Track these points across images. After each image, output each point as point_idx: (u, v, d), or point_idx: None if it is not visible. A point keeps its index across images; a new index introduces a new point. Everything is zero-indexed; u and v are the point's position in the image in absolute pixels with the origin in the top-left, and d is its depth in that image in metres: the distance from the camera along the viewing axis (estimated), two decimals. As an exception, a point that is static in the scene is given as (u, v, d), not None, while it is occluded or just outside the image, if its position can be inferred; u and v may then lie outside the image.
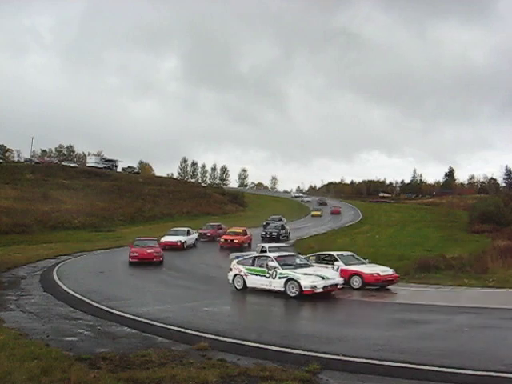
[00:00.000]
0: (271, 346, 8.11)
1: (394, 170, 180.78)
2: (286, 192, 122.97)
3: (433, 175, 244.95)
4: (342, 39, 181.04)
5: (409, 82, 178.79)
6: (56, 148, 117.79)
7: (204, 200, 71.41)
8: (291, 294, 14.09)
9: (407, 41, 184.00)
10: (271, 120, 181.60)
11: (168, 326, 9.76)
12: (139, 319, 10.53)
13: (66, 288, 15.47)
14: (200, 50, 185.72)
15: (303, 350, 7.73)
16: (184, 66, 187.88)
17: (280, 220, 46.81)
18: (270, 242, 28.71)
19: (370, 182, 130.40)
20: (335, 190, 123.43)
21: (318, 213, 67.03)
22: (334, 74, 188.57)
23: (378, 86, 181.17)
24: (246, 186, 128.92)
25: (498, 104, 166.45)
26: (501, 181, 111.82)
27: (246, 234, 32.97)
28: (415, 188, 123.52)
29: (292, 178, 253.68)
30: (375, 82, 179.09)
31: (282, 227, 38.44)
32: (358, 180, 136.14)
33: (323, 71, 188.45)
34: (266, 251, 20.75)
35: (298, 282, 14.02)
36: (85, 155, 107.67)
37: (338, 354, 7.48)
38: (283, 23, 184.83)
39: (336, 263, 17.10)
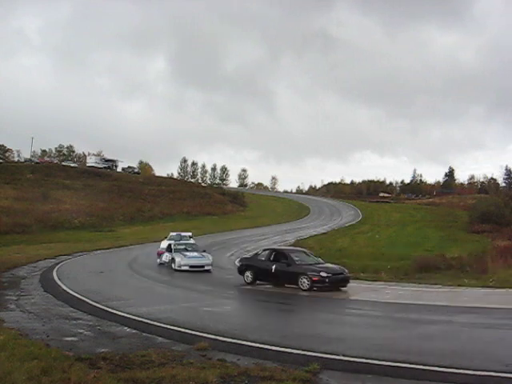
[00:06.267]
0: (271, 346, 8.10)
1: (389, 169, 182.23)
2: (286, 192, 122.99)
3: (432, 175, 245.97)
4: (324, 41, 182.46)
5: (396, 83, 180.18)
6: (56, 148, 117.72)
7: (204, 200, 71.43)
8: None
9: (390, 43, 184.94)
10: (261, 120, 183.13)
11: (168, 326, 9.74)
12: (139, 319, 10.52)
13: (66, 288, 15.46)
14: (187, 51, 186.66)
15: (303, 350, 7.72)
16: (172, 66, 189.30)
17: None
18: None
19: (370, 182, 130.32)
20: (335, 190, 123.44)
21: None
22: (320, 74, 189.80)
23: (366, 86, 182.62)
24: (245, 186, 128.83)
25: (489, 104, 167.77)
26: (501, 181, 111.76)
27: None
28: (415, 188, 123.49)
29: (290, 179, 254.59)
30: (362, 83, 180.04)
31: None
32: (357, 180, 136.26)
33: (309, 72, 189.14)
34: None
35: None
36: (85, 155, 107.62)
37: (337, 354, 7.47)
38: (267, 24, 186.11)
39: None
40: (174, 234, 29.72)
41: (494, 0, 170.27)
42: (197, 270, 21.32)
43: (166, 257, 23.51)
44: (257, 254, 18.55)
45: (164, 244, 28.01)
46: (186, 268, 21.40)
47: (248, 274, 17.47)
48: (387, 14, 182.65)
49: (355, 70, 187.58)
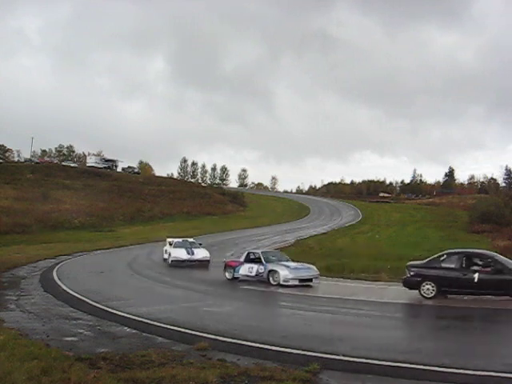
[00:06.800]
0: (271, 345, 8.10)
1: (389, 169, 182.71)
2: (286, 192, 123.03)
3: (432, 175, 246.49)
4: (324, 41, 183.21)
5: (396, 83, 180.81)
6: (56, 148, 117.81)
7: (204, 200, 71.46)
8: None
9: (390, 43, 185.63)
10: (260, 120, 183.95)
11: (168, 326, 9.75)
12: (139, 319, 10.52)
13: (65, 288, 15.47)
14: (187, 51, 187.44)
15: (303, 350, 7.72)
16: (172, 66, 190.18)
17: None
18: None
19: (370, 181, 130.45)
20: (335, 190, 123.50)
21: None
22: (320, 74, 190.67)
23: (366, 86, 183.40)
24: (245, 186, 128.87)
25: (489, 104, 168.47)
26: (501, 181, 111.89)
27: None
28: (415, 188, 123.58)
29: (290, 179, 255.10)
30: (362, 83, 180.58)
31: None
32: (357, 180, 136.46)
33: (309, 72, 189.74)
34: None
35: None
36: (85, 155, 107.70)
37: (337, 354, 7.47)
38: (267, 24, 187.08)
39: None
40: (180, 240, 25.55)
41: (493, 0, 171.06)
42: (305, 285, 17.14)
43: (249, 269, 18.24)
44: (436, 260, 14.52)
45: (177, 253, 23.81)
46: (295, 283, 16.95)
47: (428, 286, 13.83)
48: (387, 14, 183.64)
49: (355, 70, 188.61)
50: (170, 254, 24.37)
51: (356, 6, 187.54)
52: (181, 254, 24.01)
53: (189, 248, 24.49)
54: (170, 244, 25.42)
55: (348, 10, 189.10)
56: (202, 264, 23.41)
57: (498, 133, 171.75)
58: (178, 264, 23.60)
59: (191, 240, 26.30)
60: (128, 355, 7.42)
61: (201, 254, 24.48)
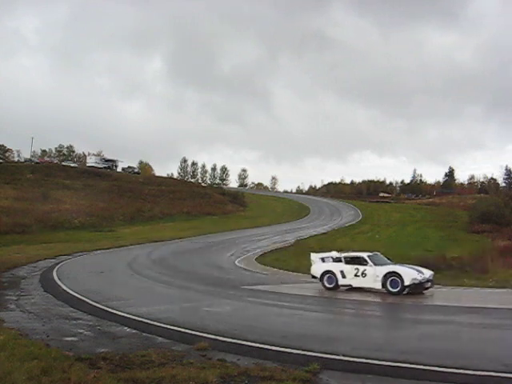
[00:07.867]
0: (271, 345, 8.10)
1: (389, 169, 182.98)
2: (286, 192, 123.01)
3: (432, 175, 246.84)
4: (322, 41, 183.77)
5: (395, 84, 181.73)
6: (56, 148, 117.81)
7: (204, 200, 71.44)
8: None
9: (386, 44, 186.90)
10: (260, 120, 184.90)
11: (168, 326, 9.74)
12: (139, 319, 10.52)
13: (65, 288, 15.46)
14: (186, 51, 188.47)
15: (303, 350, 7.72)
16: (171, 66, 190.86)
17: None
18: None
19: (370, 182, 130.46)
20: (335, 190, 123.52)
21: None
22: (320, 74, 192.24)
23: (365, 86, 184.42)
24: (245, 186, 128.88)
25: (487, 104, 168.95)
26: (501, 181, 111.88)
27: None
28: (415, 188, 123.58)
29: (290, 179, 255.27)
30: (361, 83, 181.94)
31: None
32: (357, 180, 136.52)
33: (308, 72, 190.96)
34: None
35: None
36: (85, 155, 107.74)
37: (337, 354, 7.47)
38: (265, 25, 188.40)
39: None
40: (371, 253, 18.60)
41: (490, 1, 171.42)
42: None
43: None
44: None
45: (411, 273, 16.30)
46: None
47: None
48: (383, 14, 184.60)
49: (354, 70, 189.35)
50: (395, 274, 16.43)
51: (352, 7, 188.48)
52: (414, 274, 16.95)
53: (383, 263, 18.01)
54: (336, 260, 18.59)
55: (344, 11, 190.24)
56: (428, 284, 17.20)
57: (496, 133, 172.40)
58: (416, 289, 16.27)
59: (379, 253, 19.80)
60: (128, 355, 7.42)
61: (427, 272, 17.79)
